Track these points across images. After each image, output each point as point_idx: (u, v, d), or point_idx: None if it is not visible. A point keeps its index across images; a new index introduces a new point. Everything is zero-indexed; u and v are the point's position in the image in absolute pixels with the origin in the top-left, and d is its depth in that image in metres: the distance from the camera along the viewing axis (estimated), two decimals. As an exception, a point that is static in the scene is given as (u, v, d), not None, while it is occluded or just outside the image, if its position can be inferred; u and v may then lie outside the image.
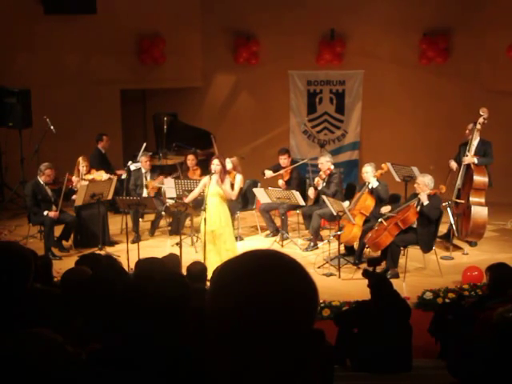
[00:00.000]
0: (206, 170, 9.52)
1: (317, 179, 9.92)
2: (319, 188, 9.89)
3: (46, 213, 9.34)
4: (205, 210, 8.45)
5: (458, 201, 9.63)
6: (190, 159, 10.69)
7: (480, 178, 9.39)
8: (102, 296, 3.00)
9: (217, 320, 1.26)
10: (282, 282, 1.25)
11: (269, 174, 10.47)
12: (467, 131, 9.60)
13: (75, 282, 4.24)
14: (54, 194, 9.53)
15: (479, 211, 9.40)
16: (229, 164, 9.36)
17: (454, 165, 9.61)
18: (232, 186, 8.67)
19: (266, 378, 1.24)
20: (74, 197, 9.63)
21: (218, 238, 8.41)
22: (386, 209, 8.79)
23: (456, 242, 9.67)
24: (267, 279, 1.25)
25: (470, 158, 9.42)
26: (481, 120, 9.37)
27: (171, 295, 2.06)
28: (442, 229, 9.39)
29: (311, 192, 9.93)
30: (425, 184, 8.55)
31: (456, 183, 9.60)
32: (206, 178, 8.59)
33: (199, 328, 1.30)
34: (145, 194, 10.44)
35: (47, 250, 9.21)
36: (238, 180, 8.99)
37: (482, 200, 9.44)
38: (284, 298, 1.24)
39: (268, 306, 1.23)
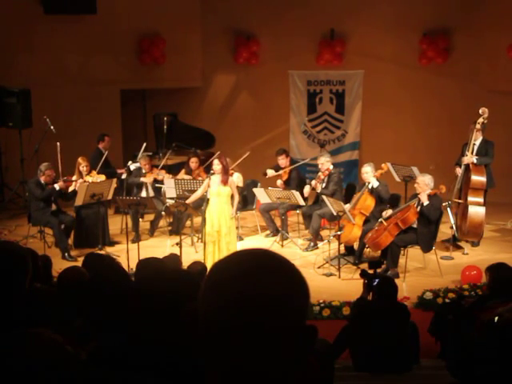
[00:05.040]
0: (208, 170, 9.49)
1: (314, 182, 9.91)
2: (318, 191, 9.90)
3: (57, 186, 9.34)
4: (205, 210, 8.46)
5: (457, 201, 9.63)
6: (194, 162, 10.63)
7: (478, 178, 9.38)
8: (100, 296, 3.00)
9: (209, 320, 1.26)
10: (272, 281, 1.25)
11: (271, 172, 10.46)
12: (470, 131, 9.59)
13: (71, 281, 4.25)
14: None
15: (476, 211, 9.38)
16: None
17: (459, 170, 9.60)
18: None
19: (262, 377, 1.25)
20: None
21: (222, 238, 8.40)
22: (386, 213, 8.76)
23: (457, 241, 9.67)
24: (258, 279, 1.25)
25: (469, 157, 9.42)
26: (480, 120, 9.36)
27: (173, 294, 2.06)
28: (442, 229, 9.39)
29: (306, 190, 9.91)
30: (425, 183, 8.55)
31: (456, 183, 9.60)
32: (207, 179, 8.59)
33: (198, 327, 1.30)
34: (144, 193, 10.45)
35: (63, 250, 9.21)
36: (235, 178, 9.01)
37: (480, 200, 9.42)
38: (275, 297, 1.24)
39: (259, 306, 1.23)
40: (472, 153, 9.45)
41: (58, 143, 9.43)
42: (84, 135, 11.64)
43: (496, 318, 4.23)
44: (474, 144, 9.49)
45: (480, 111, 9.36)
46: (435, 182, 8.75)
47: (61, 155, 9.51)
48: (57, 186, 9.38)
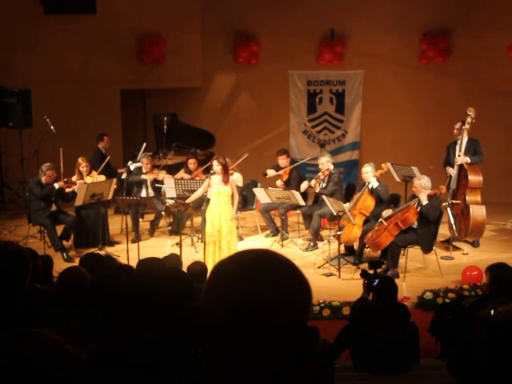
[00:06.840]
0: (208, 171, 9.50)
1: (313, 182, 9.91)
2: (317, 191, 9.90)
3: (56, 185, 9.32)
4: (205, 210, 8.46)
5: (455, 201, 9.64)
6: (192, 163, 10.62)
7: (475, 178, 9.41)
8: (100, 296, 3.00)
9: (210, 319, 1.26)
10: (274, 282, 1.25)
11: (271, 172, 10.45)
12: (455, 131, 9.63)
13: (71, 281, 4.25)
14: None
15: (478, 210, 9.41)
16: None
17: (452, 170, 9.62)
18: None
19: (262, 378, 1.25)
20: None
21: (223, 238, 8.40)
22: (386, 212, 8.76)
23: (456, 242, 9.67)
24: (260, 279, 1.25)
25: (462, 157, 9.45)
26: (469, 120, 9.42)
27: (172, 294, 2.06)
28: (442, 230, 9.38)
29: (303, 186, 9.91)
30: (422, 186, 8.53)
31: (450, 184, 9.61)
32: (207, 179, 8.60)
33: (199, 327, 1.30)
34: (144, 193, 10.45)
35: (59, 250, 9.18)
36: (234, 178, 9.04)
37: (479, 199, 9.47)
38: (276, 297, 1.24)
39: (261, 306, 1.23)
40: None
41: (62, 149, 9.41)
42: (84, 135, 11.64)
43: (492, 311, 4.23)
44: (462, 144, 9.52)
45: (468, 111, 9.42)
46: (435, 182, 8.74)
47: (62, 158, 9.52)
48: (56, 185, 9.36)
